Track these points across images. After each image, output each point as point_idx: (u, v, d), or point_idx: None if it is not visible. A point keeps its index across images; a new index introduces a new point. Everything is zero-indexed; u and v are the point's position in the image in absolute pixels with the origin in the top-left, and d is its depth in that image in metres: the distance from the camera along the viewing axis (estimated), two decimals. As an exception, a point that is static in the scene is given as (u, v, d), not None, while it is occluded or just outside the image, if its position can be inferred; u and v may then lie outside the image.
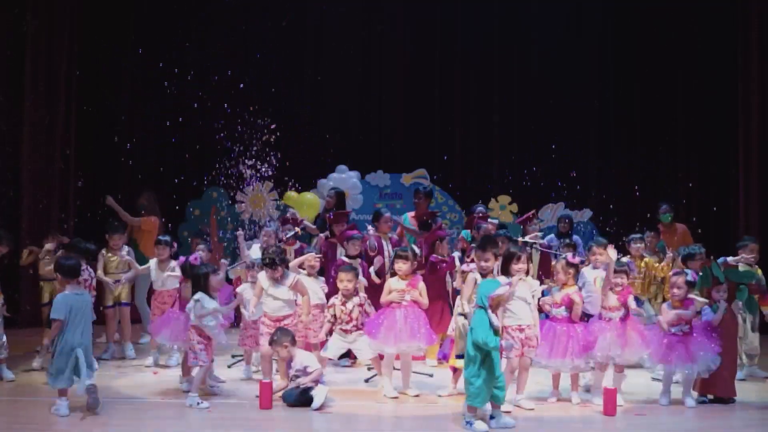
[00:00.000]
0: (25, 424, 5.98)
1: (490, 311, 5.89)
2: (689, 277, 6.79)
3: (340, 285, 7.03)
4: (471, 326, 5.93)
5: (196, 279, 6.71)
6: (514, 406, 6.45)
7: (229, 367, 7.96)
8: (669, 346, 6.65)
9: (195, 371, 6.63)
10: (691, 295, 6.74)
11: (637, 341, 6.65)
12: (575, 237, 9.91)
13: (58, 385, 6.19)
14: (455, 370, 6.80)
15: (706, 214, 11.50)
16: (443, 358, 7.01)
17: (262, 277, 6.91)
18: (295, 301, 6.96)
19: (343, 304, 6.98)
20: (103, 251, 8.60)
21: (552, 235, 10.10)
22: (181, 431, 5.91)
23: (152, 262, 8.13)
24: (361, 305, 7.01)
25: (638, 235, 8.95)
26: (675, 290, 6.78)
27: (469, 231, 8.68)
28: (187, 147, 11.73)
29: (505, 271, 6.34)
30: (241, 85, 11.91)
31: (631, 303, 6.68)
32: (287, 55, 11.97)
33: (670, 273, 7.26)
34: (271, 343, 6.68)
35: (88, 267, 7.85)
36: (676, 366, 6.61)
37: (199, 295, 6.61)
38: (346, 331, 6.96)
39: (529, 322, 6.46)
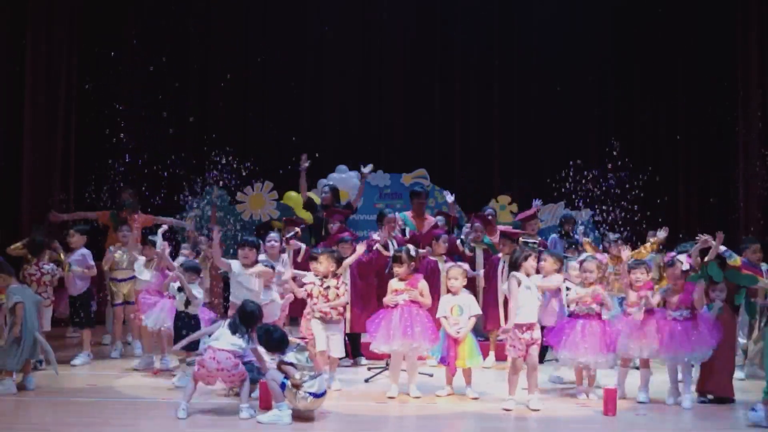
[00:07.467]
0: (26, 423, 6.01)
1: None
2: (684, 266, 6.83)
3: (319, 267, 7.18)
4: None
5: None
6: (524, 405, 6.47)
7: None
8: (671, 334, 6.66)
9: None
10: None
11: (654, 335, 6.71)
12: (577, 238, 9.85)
13: (20, 366, 6.78)
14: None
15: (705, 213, 11.49)
16: (441, 361, 7.03)
17: (235, 263, 7.11)
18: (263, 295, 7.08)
19: (322, 284, 7.11)
20: (111, 248, 8.61)
21: (555, 236, 10.03)
22: (181, 431, 5.91)
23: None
24: (336, 288, 7.14)
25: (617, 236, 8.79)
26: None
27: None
28: (187, 146, 11.71)
29: (517, 268, 6.54)
30: (242, 85, 11.95)
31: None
32: (287, 55, 11.96)
33: (665, 259, 7.28)
34: None
35: (40, 263, 7.77)
36: (677, 354, 6.61)
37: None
38: (324, 313, 7.04)
39: (534, 321, 6.47)
